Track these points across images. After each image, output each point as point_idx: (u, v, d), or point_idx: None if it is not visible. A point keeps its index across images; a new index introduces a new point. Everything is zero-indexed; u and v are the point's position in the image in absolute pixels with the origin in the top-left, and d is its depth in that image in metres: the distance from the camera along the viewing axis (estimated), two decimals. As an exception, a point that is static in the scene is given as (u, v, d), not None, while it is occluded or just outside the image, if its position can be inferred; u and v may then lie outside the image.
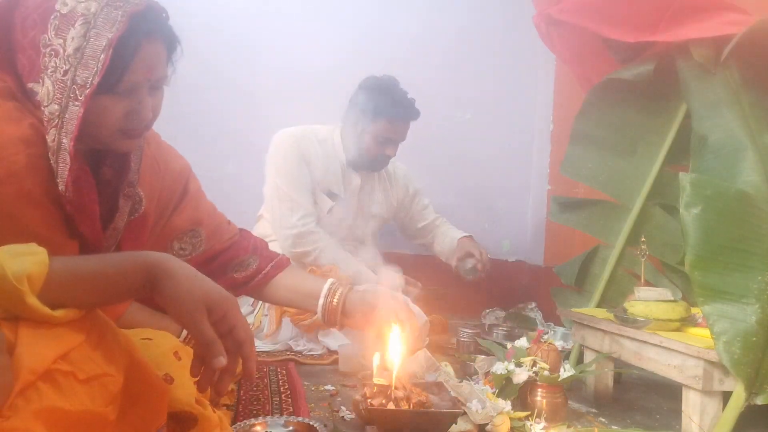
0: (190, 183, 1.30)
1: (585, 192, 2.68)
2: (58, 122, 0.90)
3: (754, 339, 1.36)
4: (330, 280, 1.44)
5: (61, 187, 0.92)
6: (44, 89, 0.90)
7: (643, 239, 1.84)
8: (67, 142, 0.90)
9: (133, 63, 0.94)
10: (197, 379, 0.80)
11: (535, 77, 3.38)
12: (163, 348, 0.96)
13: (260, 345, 2.15)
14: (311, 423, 1.18)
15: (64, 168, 0.91)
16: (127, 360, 0.78)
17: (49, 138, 0.91)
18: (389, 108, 2.31)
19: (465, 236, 2.66)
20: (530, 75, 3.38)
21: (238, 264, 1.38)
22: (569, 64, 2.44)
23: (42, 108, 0.91)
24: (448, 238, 2.67)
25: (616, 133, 2.22)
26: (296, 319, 2.19)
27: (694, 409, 1.43)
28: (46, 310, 0.69)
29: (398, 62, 3.03)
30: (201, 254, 1.31)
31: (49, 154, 0.91)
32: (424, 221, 2.73)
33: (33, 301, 0.68)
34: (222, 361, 0.77)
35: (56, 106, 0.90)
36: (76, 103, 0.90)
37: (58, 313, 0.70)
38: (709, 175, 1.67)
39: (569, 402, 1.63)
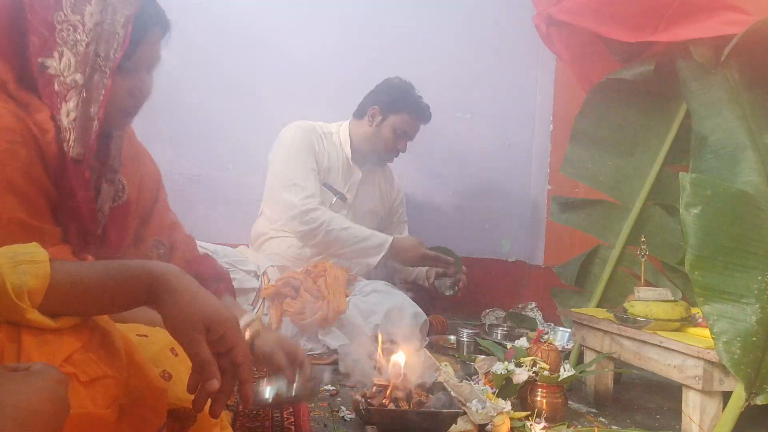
0: (161, 191, 1.30)
1: (585, 192, 2.68)
2: (82, 90, 0.96)
3: (754, 339, 1.36)
4: (246, 319, 1.25)
5: (77, 152, 0.96)
6: (64, 60, 0.95)
7: (643, 239, 1.85)
8: (95, 110, 0.97)
9: (143, 41, 1.01)
10: (193, 397, 0.79)
11: (535, 77, 3.38)
12: (160, 344, 0.95)
13: (260, 345, 2.15)
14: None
15: (86, 135, 0.97)
16: (127, 361, 0.77)
17: (69, 107, 0.95)
18: (413, 104, 2.46)
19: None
20: (530, 75, 3.37)
21: None
22: (569, 64, 2.44)
23: (60, 77, 0.95)
24: None
25: (616, 133, 2.22)
26: (296, 318, 2.19)
27: (694, 409, 1.44)
28: (48, 321, 0.69)
29: (399, 62, 3.04)
30: None
31: (65, 122, 0.95)
32: (396, 234, 2.63)
33: (34, 316, 0.67)
34: (215, 384, 0.75)
35: (79, 75, 0.96)
36: (102, 74, 0.97)
37: (59, 323, 0.70)
38: (709, 175, 1.67)
39: (569, 402, 1.63)
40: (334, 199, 2.44)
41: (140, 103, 1.07)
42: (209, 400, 0.78)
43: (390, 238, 2.36)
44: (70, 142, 0.96)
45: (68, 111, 0.95)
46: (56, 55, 0.95)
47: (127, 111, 1.05)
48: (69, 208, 1.00)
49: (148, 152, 1.30)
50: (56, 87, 0.95)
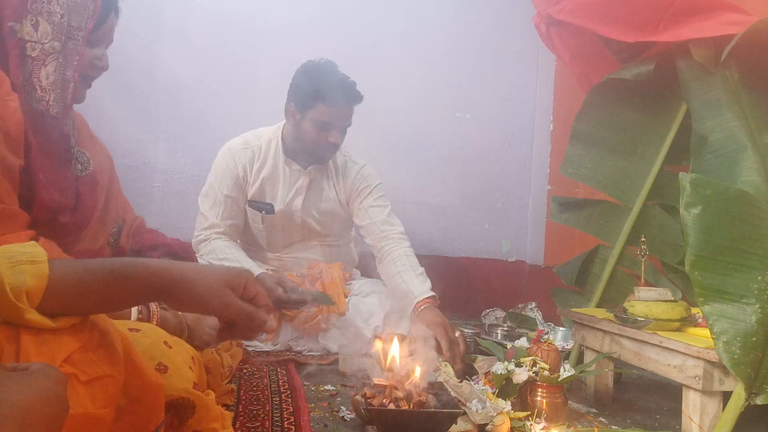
0: (114, 173, 1.41)
1: (585, 192, 2.68)
2: (59, 56, 1.09)
3: (754, 339, 1.36)
4: None
5: (56, 110, 1.09)
6: (41, 29, 1.06)
7: (643, 239, 1.85)
8: (71, 73, 1.11)
9: (107, 19, 1.18)
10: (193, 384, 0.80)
11: (535, 77, 3.38)
12: (153, 338, 0.95)
13: (260, 346, 2.16)
14: None
15: (64, 95, 1.10)
16: (125, 359, 0.77)
17: (48, 70, 1.07)
18: (326, 91, 2.17)
19: (427, 299, 2.09)
20: (530, 75, 3.37)
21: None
22: (569, 64, 2.44)
23: (37, 44, 1.06)
24: (404, 284, 2.16)
25: (616, 133, 2.22)
26: (296, 321, 2.19)
27: (694, 409, 1.43)
28: (47, 321, 0.69)
29: (398, 62, 3.04)
30: (115, 247, 1.39)
31: (45, 83, 1.06)
32: (367, 220, 2.36)
33: (32, 316, 0.67)
34: (273, 323, 0.84)
35: (57, 43, 1.08)
36: (76, 42, 1.10)
37: (59, 323, 0.70)
38: (709, 175, 1.67)
39: (569, 402, 1.63)
40: (262, 215, 2.32)
41: (98, 74, 1.22)
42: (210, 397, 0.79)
43: (255, 274, 2.10)
44: (50, 101, 1.08)
45: (47, 74, 1.07)
46: (28, 22, 1.05)
47: (86, 81, 1.19)
48: (40, 176, 1.06)
49: (99, 141, 1.42)
50: (31, 52, 1.06)
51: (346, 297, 2.27)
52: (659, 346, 1.53)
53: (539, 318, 2.79)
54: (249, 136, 2.38)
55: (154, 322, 1.11)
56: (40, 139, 1.07)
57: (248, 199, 2.32)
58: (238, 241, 2.37)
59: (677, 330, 1.60)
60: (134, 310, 1.12)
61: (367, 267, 2.67)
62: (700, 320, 1.60)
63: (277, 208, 2.33)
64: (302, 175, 2.34)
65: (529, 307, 2.90)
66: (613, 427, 1.57)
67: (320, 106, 2.18)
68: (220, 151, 2.37)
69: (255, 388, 1.66)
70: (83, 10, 1.11)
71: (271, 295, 1.90)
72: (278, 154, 2.33)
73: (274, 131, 2.37)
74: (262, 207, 2.33)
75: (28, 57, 1.06)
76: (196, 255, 2.24)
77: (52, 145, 1.11)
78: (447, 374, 1.55)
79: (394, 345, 1.46)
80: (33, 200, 1.06)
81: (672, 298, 1.65)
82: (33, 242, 0.73)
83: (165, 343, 0.94)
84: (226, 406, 1.43)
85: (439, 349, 1.80)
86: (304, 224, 2.38)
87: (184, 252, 1.53)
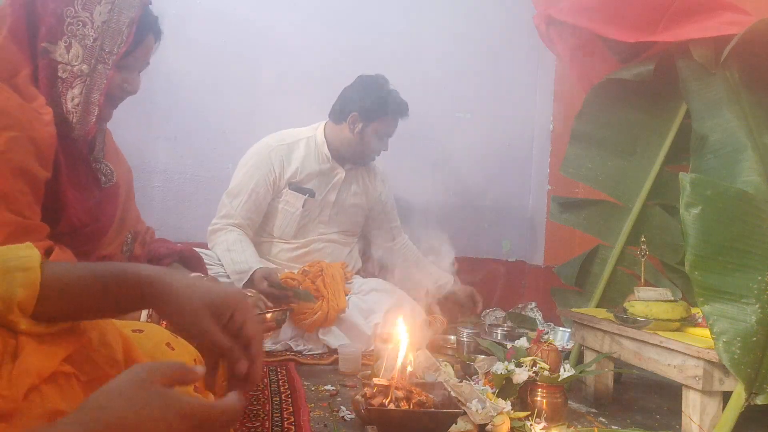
0: (131, 187, 1.43)
1: (585, 192, 2.68)
2: (86, 79, 1.10)
3: (754, 339, 1.36)
4: None
5: (78, 133, 1.09)
6: (72, 51, 1.08)
7: (643, 239, 1.85)
8: (96, 96, 1.11)
9: (141, 44, 1.17)
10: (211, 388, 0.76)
11: (535, 77, 3.38)
12: (155, 340, 0.94)
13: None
14: None
15: (88, 117, 1.11)
16: (125, 359, 0.77)
17: (74, 93, 1.08)
18: (390, 106, 2.44)
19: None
20: (530, 75, 3.37)
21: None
22: (569, 64, 2.44)
23: (67, 65, 1.08)
24: (438, 271, 2.60)
25: (616, 133, 2.22)
26: (297, 318, 2.19)
27: (694, 409, 1.44)
28: (42, 329, 0.67)
29: (398, 62, 3.04)
30: (129, 255, 1.41)
31: (70, 106, 1.08)
32: (396, 222, 2.77)
33: (26, 326, 0.66)
34: (244, 365, 0.72)
35: (86, 66, 1.09)
36: (105, 66, 1.11)
37: (54, 329, 0.69)
38: (709, 175, 1.67)
39: (569, 402, 1.63)
40: (305, 198, 2.45)
41: (125, 97, 1.22)
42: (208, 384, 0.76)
43: (253, 269, 2.23)
44: (74, 123, 1.09)
45: (73, 97, 1.08)
46: (62, 44, 1.06)
47: (113, 102, 1.19)
48: (69, 195, 1.07)
49: (122, 153, 1.45)
50: (61, 74, 1.07)
51: (346, 295, 2.28)
52: (659, 346, 1.53)
53: (539, 318, 2.79)
54: (284, 134, 2.53)
55: (164, 325, 1.11)
56: (67, 158, 1.09)
57: (289, 182, 2.46)
58: (251, 234, 2.45)
59: (677, 330, 1.60)
60: (144, 311, 1.12)
61: (366, 269, 2.67)
62: (700, 320, 1.60)
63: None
64: (340, 172, 2.53)
65: (529, 307, 2.90)
66: (613, 427, 1.57)
67: (384, 119, 2.44)
68: (253, 146, 2.50)
69: (255, 388, 1.66)
70: (117, 35, 1.12)
71: (256, 287, 2.10)
72: (318, 152, 2.50)
73: (310, 131, 2.55)
74: (306, 191, 2.48)
75: (58, 78, 1.07)
76: (209, 244, 2.38)
77: (77, 165, 1.12)
78: (447, 374, 1.55)
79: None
80: (61, 215, 1.08)
81: (672, 298, 1.65)
82: (28, 244, 0.70)
83: (168, 344, 0.93)
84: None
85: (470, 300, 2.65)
86: (331, 216, 2.53)
87: (194, 258, 1.53)
